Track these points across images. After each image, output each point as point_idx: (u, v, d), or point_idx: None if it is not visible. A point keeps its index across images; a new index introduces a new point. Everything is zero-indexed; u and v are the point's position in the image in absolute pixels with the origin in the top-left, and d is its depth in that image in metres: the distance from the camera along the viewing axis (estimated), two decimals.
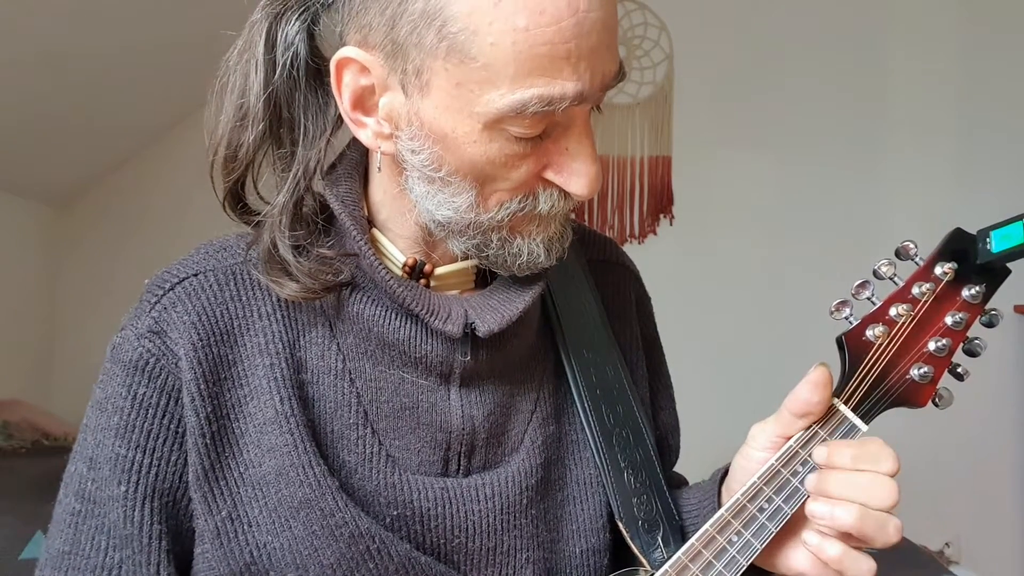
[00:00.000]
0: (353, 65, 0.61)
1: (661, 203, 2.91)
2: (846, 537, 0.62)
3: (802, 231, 2.82)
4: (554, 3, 0.53)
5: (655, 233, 2.92)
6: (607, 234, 0.85)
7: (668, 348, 0.87)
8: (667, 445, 0.84)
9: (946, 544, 2.63)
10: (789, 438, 0.66)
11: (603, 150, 2.90)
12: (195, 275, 0.68)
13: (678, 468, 0.88)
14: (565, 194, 0.63)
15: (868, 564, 0.62)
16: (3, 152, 2.61)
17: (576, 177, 0.61)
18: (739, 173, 2.85)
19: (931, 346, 0.66)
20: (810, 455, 0.65)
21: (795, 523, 0.65)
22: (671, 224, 2.91)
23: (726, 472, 0.72)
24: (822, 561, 0.63)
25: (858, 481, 0.61)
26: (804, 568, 0.65)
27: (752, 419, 0.69)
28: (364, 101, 0.62)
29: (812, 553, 0.63)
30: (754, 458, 0.67)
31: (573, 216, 0.69)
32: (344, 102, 0.62)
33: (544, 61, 0.55)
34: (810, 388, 0.64)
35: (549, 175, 0.62)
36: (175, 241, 1.14)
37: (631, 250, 0.88)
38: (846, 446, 0.63)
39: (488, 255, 0.65)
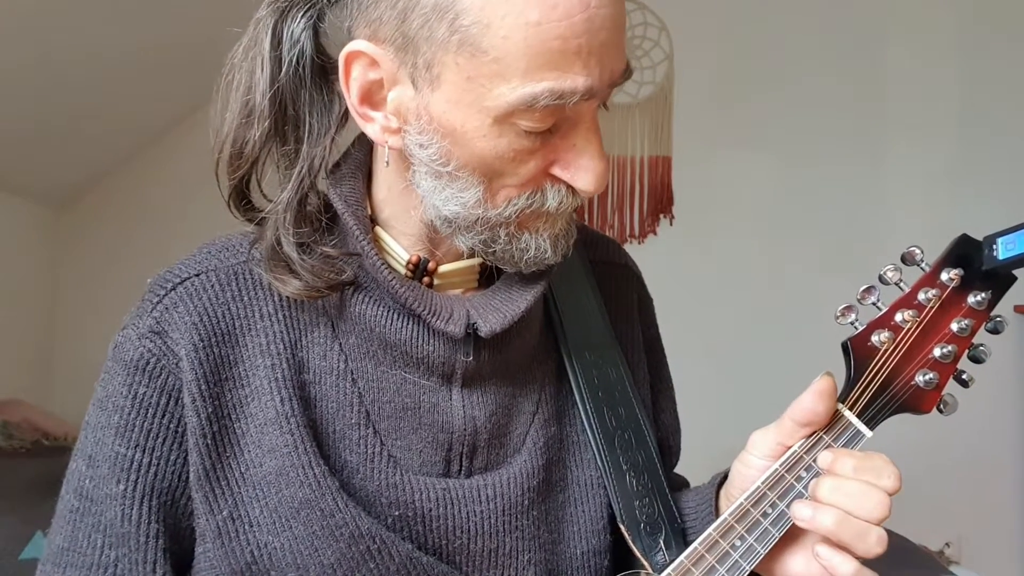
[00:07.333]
0: (362, 59, 0.61)
1: (661, 203, 2.91)
2: (829, 544, 0.62)
3: (802, 231, 2.82)
4: None
5: (655, 233, 2.91)
6: (607, 234, 0.85)
7: (668, 348, 0.87)
8: (668, 446, 0.84)
9: (946, 544, 2.63)
10: (790, 446, 0.66)
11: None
12: (197, 275, 0.68)
13: (679, 469, 0.87)
14: (572, 191, 0.63)
15: None
16: (3, 152, 2.61)
17: (583, 172, 0.61)
18: (739, 173, 2.85)
19: (936, 352, 0.66)
20: (814, 460, 0.64)
21: (795, 530, 0.65)
22: (671, 224, 2.91)
23: (725, 477, 0.72)
24: None
25: (848, 488, 0.61)
26: (806, 575, 0.65)
27: (752, 419, 0.68)
28: (372, 95, 0.62)
29: (824, 568, 0.62)
30: (754, 465, 0.67)
31: (574, 216, 0.69)
32: (352, 96, 0.62)
33: (556, 55, 0.55)
34: (815, 398, 0.64)
35: (556, 171, 0.62)
36: (175, 241, 1.14)
37: (631, 250, 0.88)
38: (850, 456, 0.63)
39: (495, 251, 0.65)
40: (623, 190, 2.92)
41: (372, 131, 0.64)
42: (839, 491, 0.61)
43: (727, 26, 2.87)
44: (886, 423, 0.67)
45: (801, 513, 0.62)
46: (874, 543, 0.60)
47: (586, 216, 2.90)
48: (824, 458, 0.64)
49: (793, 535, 0.65)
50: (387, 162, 0.66)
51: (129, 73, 2.59)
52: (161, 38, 2.49)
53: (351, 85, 0.62)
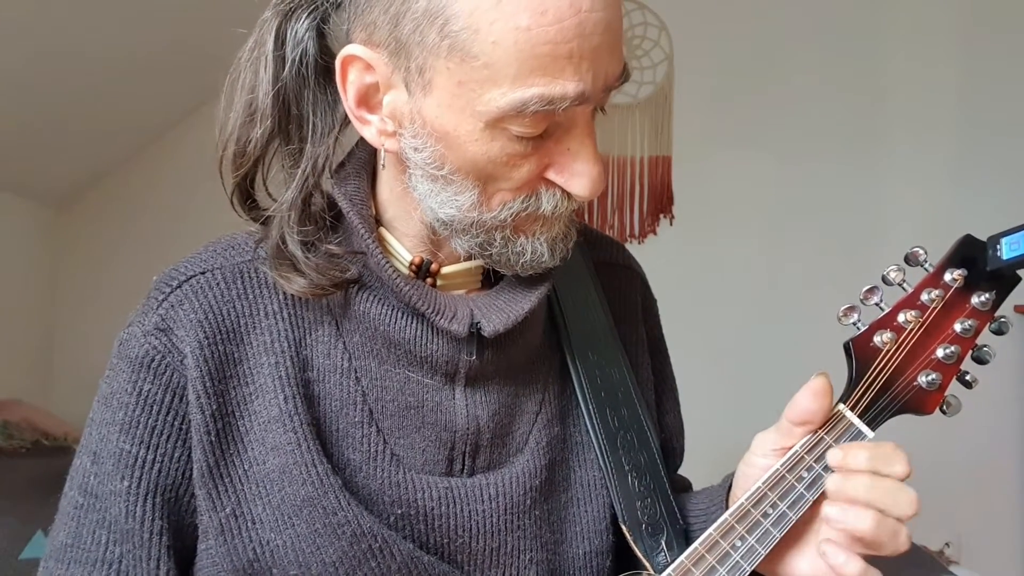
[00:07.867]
0: (358, 63, 0.61)
1: (661, 203, 2.91)
2: (854, 544, 0.61)
3: (802, 230, 2.82)
4: (556, 3, 0.53)
5: (655, 233, 2.92)
6: (607, 234, 0.85)
7: (670, 349, 0.87)
8: (671, 448, 0.84)
9: (946, 544, 2.63)
10: (791, 446, 0.66)
11: (603, 150, 2.84)
12: (202, 273, 0.68)
13: (682, 470, 0.87)
14: (568, 194, 0.63)
15: None
16: (3, 152, 2.61)
17: (578, 178, 0.61)
18: (739, 173, 2.85)
19: (939, 353, 0.66)
20: (816, 461, 0.64)
21: (799, 529, 0.65)
22: (671, 224, 2.91)
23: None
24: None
25: (881, 486, 0.61)
26: (808, 575, 0.65)
27: (754, 420, 0.68)
28: (369, 98, 0.62)
29: (832, 568, 0.62)
30: (757, 465, 0.67)
31: (574, 219, 0.69)
32: (349, 99, 0.63)
33: (546, 60, 0.55)
34: (809, 397, 0.64)
35: (551, 175, 0.62)
36: (175, 241, 1.15)
37: (631, 250, 0.88)
38: (861, 448, 0.63)
39: (492, 254, 0.65)
40: (623, 190, 2.92)
41: (369, 134, 0.64)
42: (872, 489, 0.61)
43: (727, 26, 2.87)
44: (889, 424, 0.67)
45: (835, 515, 0.61)
46: (903, 541, 0.61)
47: (586, 216, 2.90)
48: (834, 455, 0.63)
49: (795, 535, 0.65)
50: (383, 165, 0.67)
51: (129, 73, 2.59)
52: (161, 38, 2.50)
53: (348, 88, 0.62)
